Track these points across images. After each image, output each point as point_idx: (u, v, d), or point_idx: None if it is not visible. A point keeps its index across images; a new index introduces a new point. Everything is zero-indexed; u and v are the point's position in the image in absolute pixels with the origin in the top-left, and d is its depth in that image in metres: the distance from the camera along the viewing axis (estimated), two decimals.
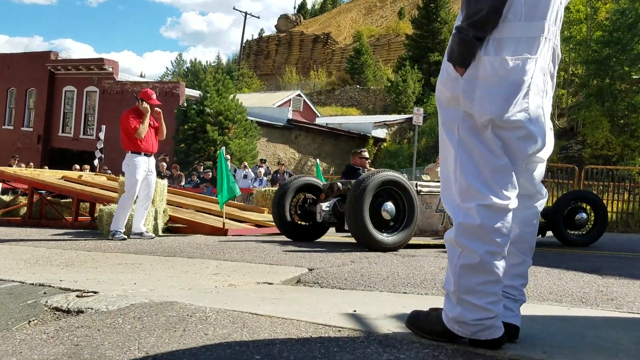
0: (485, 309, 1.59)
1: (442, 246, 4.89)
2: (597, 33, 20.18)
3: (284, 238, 6.59)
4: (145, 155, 6.45)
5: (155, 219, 7.26)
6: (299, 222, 6.63)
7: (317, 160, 10.23)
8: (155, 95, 6.70)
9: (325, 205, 6.06)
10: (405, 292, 2.90)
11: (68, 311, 2.11)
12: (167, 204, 8.93)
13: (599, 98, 19.34)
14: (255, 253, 4.74)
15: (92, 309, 2.08)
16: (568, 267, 4.29)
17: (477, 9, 1.57)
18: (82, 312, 2.11)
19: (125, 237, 6.30)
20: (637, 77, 19.30)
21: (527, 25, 1.60)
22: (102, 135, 15.69)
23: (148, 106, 6.44)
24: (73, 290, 2.58)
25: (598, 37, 19.85)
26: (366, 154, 7.74)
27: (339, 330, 1.78)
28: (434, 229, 5.94)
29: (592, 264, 4.65)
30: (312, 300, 2.46)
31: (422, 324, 1.74)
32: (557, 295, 2.93)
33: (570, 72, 22.23)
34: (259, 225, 8.61)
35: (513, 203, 1.61)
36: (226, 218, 7.95)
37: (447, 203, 1.70)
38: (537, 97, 1.64)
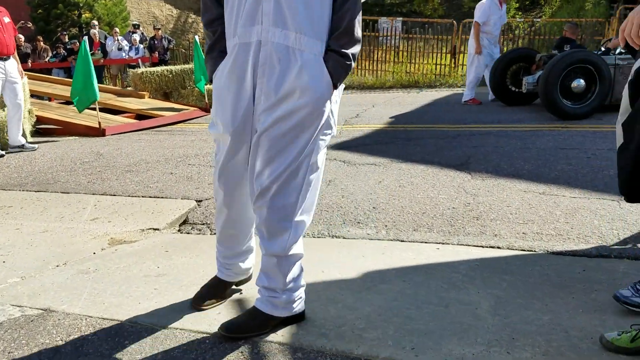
0: (302, 286, 1.92)
1: None
2: None
3: (170, 130, 6.32)
4: None
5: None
6: (513, 89, 7.83)
7: (196, 37, 9.47)
8: None
9: (530, 78, 7.15)
10: None
11: None
12: (33, 95, 8.05)
13: None
14: (137, 175, 4.52)
15: None
16: (442, 162, 4.58)
17: (358, 40, 1.75)
18: None
19: (3, 152, 5.74)
20: None
21: None
22: None
23: None
24: None
25: None
26: (575, 25, 8.24)
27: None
28: None
29: (463, 151, 4.98)
30: (198, 274, 2.45)
31: (244, 327, 1.85)
32: (430, 217, 3.15)
33: None
34: (140, 115, 8.10)
35: None
36: (101, 109, 7.36)
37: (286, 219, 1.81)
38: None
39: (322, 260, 2.51)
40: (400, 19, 14.09)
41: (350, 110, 8.31)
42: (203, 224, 3.26)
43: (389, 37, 13.36)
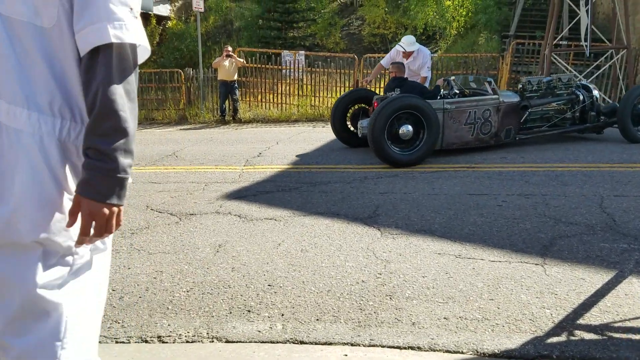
0: None
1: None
2: None
3: None
4: None
5: None
6: (353, 131, 7.44)
7: None
8: None
9: (365, 122, 6.75)
10: None
11: None
12: None
13: None
14: None
15: None
16: (348, 214, 4.09)
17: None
18: None
19: None
20: None
21: None
22: None
23: None
24: None
25: None
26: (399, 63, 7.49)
27: None
28: (463, 140, 6.68)
29: (371, 199, 4.54)
30: None
31: None
32: (336, 297, 2.60)
33: None
34: None
35: None
36: None
37: None
38: None
39: None
40: (303, 52, 13.85)
41: (253, 149, 7.74)
42: None
43: (292, 71, 13.05)
